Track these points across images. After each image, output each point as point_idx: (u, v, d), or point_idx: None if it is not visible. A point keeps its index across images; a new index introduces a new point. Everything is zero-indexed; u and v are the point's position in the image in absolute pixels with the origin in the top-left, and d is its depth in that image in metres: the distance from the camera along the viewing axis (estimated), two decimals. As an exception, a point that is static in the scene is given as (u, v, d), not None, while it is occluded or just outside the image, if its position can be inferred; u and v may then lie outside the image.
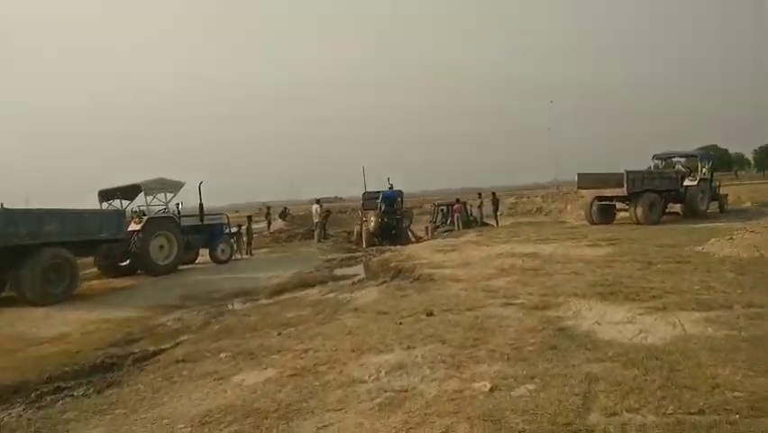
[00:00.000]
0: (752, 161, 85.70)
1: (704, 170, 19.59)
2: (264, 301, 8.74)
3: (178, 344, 6.11)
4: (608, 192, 17.60)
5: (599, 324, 5.77)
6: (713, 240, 10.59)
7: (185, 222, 13.85)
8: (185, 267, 14.13)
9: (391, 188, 21.13)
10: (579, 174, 18.11)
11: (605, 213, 18.36)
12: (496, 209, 24.52)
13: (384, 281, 9.67)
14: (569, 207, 41.75)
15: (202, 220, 14.23)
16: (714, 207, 19.91)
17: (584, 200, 19.21)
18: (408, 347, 5.20)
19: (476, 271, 9.94)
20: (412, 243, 22.33)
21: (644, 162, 20.61)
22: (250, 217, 17.38)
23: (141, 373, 5.38)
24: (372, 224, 19.26)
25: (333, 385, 4.35)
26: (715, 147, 48.64)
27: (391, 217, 19.91)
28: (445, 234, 22.51)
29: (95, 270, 13.26)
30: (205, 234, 14.24)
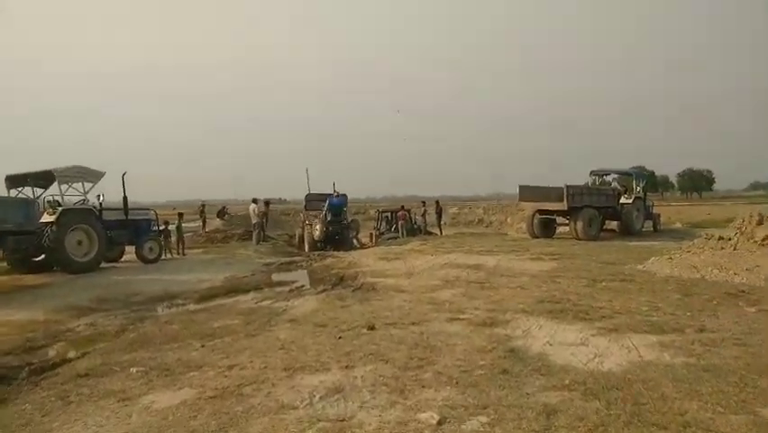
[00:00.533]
0: (675, 184, 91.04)
1: (638, 188, 20.23)
2: (191, 307, 7.95)
3: (85, 354, 5.30)
4: (548, 206, 17.78)
5: (551, 345, 5.47)
6: (653, 259, 10.70)
7: (107, 216, 12.69)
8: (107, 265, 12.99)
9: (336, 194, 20.49)
10: (520, 186, 18.21)
11: (546, 227, 18.56)
12: (439, 218, 24.44)
13: (324, 289, 9.09)
14: (509, 220, 42.64)
15: (126, 214, 13.08)
16: (648, 225, 20.57)
17: (526, 213, 19.35)
18: (347, 366, 4.68)
19: (420, 282, 9.56)
20: (356, 249, 21.86)
21: (580, 178, 21.07)
22: (180, 215, 16.24)
23: (34, 390, 4.56)
24: (317, 232, 18.55)
25: (259, 411, 3.77)
26: (642, 168, 51.03)
27: (337, 226, 19.27)
28: (389, 240, 22.18)
29: (4, 264, 11.92)
30: (130, 229, 13.12)
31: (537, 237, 18.28)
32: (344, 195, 21.53)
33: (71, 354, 5.27)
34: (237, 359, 4.90)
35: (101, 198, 12.76)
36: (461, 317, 6.69)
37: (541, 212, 18.19)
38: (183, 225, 15.67)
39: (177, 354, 5.12)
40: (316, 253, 17.15)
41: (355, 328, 6.07)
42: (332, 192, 20.36)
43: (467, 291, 8.45)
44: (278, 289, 9.47)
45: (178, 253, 14.84)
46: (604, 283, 8.88)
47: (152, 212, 14.26)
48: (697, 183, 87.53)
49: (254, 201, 19.66)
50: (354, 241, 23.27)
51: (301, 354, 5.06)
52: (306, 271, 12.29)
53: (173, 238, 15.20)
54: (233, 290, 9.31)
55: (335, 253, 16.09)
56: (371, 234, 25.58)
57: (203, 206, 25.20)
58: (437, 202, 24.90)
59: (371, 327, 6.05)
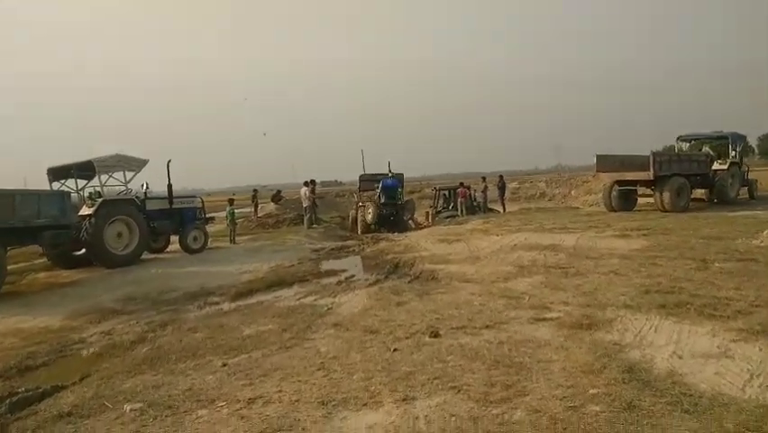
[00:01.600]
0: (755, 149, 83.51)
1: (734, 153, 17.74)
2: (224, 307, 6.94)
3: (83, 378, 4.33)
4: (630, 176, 15.76)
5: (680, 357, 4.02)
6: (770, 232, 8.82)
7: (150, 205, 12.00)
8: (151, 256, 12.35)
9: (391, 174, 19.18)
10: (598, 156, 16.23)
11: (626, 199, 16.55)
12: (502, 194, 22.69)
13: (377, 280, 7.90)
14: (573, 192, 40.23)
15: (171, 203, 12.36)
16: (743, 193, 18.10)
17: (603, 185, 17.33)
18: (405, 399, 3.43)
19: (489, 269, 8.16)
20: (412, 230, 20.62)
21: (644, 148, 18.70)
22: (231, 201, 15.48)
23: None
24: (370, 215, 17.40)
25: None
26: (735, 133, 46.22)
27: (391, 208, 18.05)
28: (447, 220, 20.77)
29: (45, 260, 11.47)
30: (174, 219, 12.40)
31: (616, 211, 16.32)
32: (399, 175, 20.26)
33: (64, 380, 4.28)
34: (263, 387, 3.76)
35: (144, 186, 12.07)
36: (548, 315, 5.30)
37: (620, 183, 16.18)
38: (235, 211, 14.84)
39: (190, 378, 4.04)
40: (370, 235, 15.99)
41: (414, 335, 4.81)
42: (386, 172, 19.14)
43: (548, 280, 7.00)
44: (326, 280, 8.35)
45: (231, 242, 14.07)
46: (718, 265, 7.19)
47: (198, 199, 13.48)
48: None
49: (305, 184, 18.65)
50: (410, 222, 22.05)
51: (345, 377, 3.86)
52: (358, 257, 11.15)
53: (227, 225, 14.44)
54: (276, 282, 8.27)
55: (390, 235, 14.88)
56: (428, 212, 24.18)
57: (255, 191, 24.57)
58: (501, 177, 23.09)
59: (435, 334, 4.77)
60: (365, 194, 19.11)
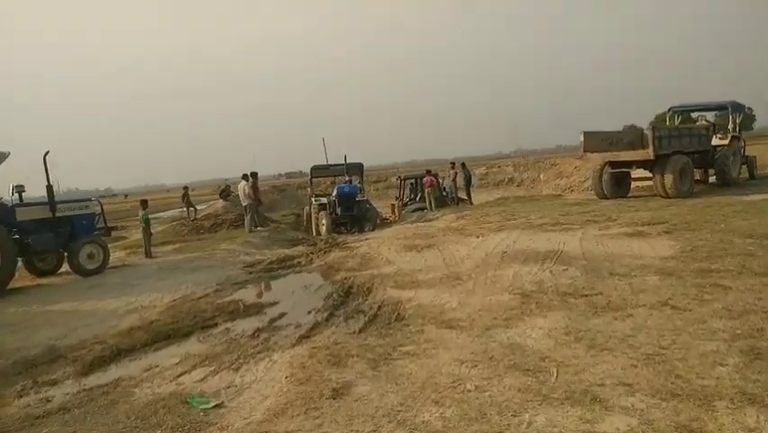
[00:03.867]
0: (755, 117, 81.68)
1: (734, 125, 15.71)
2: (58, 393, 4.16)
3: None
4: (625, 156, 13.50)
5: None
6: None
7: (23, 215, 9.06)
8: (29, 283, 9.43)
9: (348, 180, 16.18)
10: (585, 133, 13.93)
11: (618, 183, 14.31)
12: (469, 183, 20.11)
13: (314, 326, 5.28)
14: (542, 176, 38.47)
15: (54, 210, 9.42)
16: (743, 172, 16.14)
17: (593, 167, 15.03)
18: None
19: (477, 298, 5.64)
20: (377, 224, 18.06)
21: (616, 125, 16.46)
22: (144, 203, 12.41)
23: None
24: (324, 228, 14.66)
25: None
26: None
27: (347, 220, 15.32)
28: (415, 213, 18.29)
29: None
30: (60, 230, 9.45)
31: (608, 198, 14.10)
32: (358, 165, 17.57)
33: None
34: None
35: (11, 190, 9.11)
36: (608, 427, 2.80)
37: (613, 164, 13.91)
38: (151, 216, 11.81)
39: None
40: (323, 238, 13.37)
41: None
42: (342, 163, 16.31)
43: (573, 322, 4.52)
44: (240, 326, 5.67)
45: (146, 255, 11.19)
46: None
47: (94, 203, 10.45)
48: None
49: (244, 177, 15.61)
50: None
51: None
52: (300, 275, 8.51)
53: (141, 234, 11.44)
54: (166, 332, 5.54)
55: (347, 240, 12.22)
56: (393, 205, 21.67)
57: (185, 189, 21.40)
58: (463, 164, 20.55)
59: None
60: (320, 197, 16.21)
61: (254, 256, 10.96)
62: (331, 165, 16.99)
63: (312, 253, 10.66)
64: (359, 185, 17.26)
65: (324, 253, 10.30)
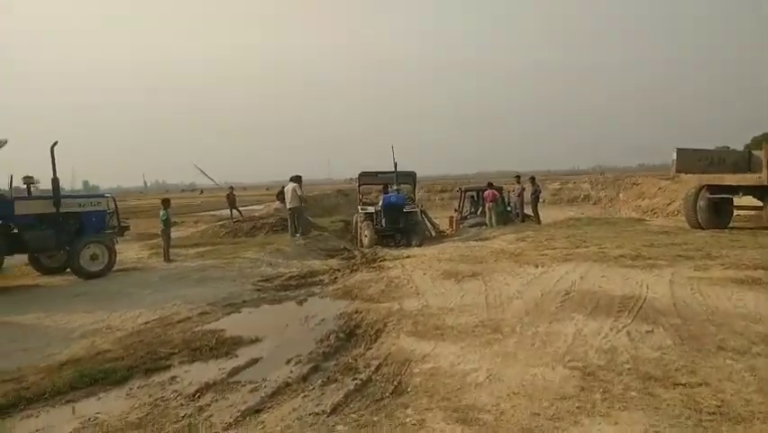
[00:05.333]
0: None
1: None
2: None
3: None
4: (730, 179, 11.12)
5: None
6: None
7: (21, 208, 8.24)
8: (28, 281, 8.61)
9: (397, 189, 14.69)
10: (678, 150, 11.67)
11: (717, 211, 11.88)
12: (536, 201, 17.90)
13: (280, 390, 3.80)
14: (621, 196, 35.27)
15: (57, 205, 8.61)
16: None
17: (686, 192, 12.62)
18: None
19: (517, 369, 3.94)
20: (432, 237, 16.47)
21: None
22: (166, 202, 11.56)
23: None
24: (366, 240, 13.27)
25: None
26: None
27: (394, 229, 13.84)
28: (473, 229, 16.51)
29: None
30: (63, 227, 8.60)
31: (703, 228, 11.72)
32: (410, 173, 15.96)
33: None
34: None
35: (11, 180, 8.33)
36: None
37: (712, 189, 11.54)
38: (170, 215, 10.80)
39: None
40: (364, 252, 11.98)
41: None
42: (391, 171, 14.71)
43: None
44: (191, 375, 4.26)
45: (165, 258, 10.25)
46: None
47: (107, 199, 9.58)
48: None
49: (293, 180, 14.54)
50: (429, 226, 17.85)
51: None
52: (308, 302, 7.07)
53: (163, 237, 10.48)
54: (100, 372, 4.24)
55: (386, 255, 10.70)
56: (451, 218, 19.94)
57: (231, 189, 20.65)
58: (533, 179, 18.35)
59: None
60: (364, 208, 14.80)
61: (277, 268, 9.69)
62: (380, 172, 15.50)
63: (340, 269, 9.24)
64: (411, 195, 15.73)
65: (351, 272, 8.83)
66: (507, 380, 3.75)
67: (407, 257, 10.24)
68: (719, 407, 3.17)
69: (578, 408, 3.24)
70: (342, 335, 5.14)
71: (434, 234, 18.13)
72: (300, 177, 14.86)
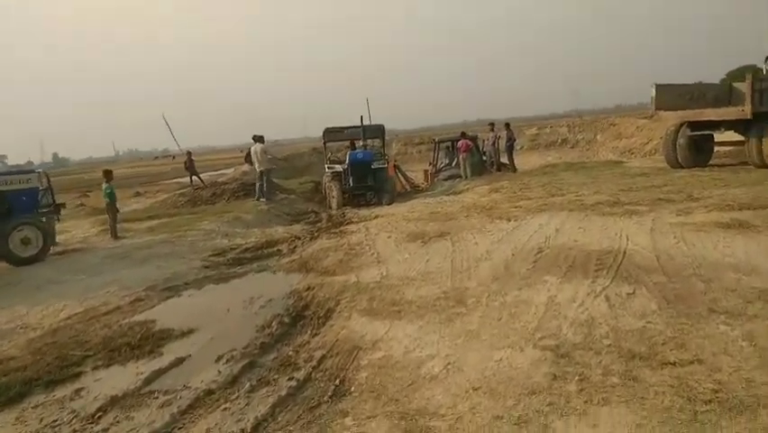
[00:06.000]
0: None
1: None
2: None
3: None
4: (711, 114, 10.51)
5: None
6: None
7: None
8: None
9: (363, 145, 13.82)
10: (657, 86, 10.98)
11: (698, 149, 11.35)
12: (511, 149, 17.13)
13: (199, 401, 3.19)
14: (599, 137, 34.63)
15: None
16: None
17: (666, 129, 12.03)
18: None
19: (480, 354, 3.36)
20: (407, 192, 15.86)
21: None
22: (107, 174, 9.98)
23: None
24: (334, 201, 12.50)
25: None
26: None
27: (362, 191, 13.07)
28: (447, 181, 15.86)
29: None
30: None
31: (683, 166, 11.22)
32: (379, 126, 15.04)
33: None
34: None
35: None
36: None
37: (693, 125, 10.96)
38: (114, 189, 9.83)
39: None
40: (332, 214, 11.34)
41: None
42: (357, 125, 13.79)
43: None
44: (102, 385, 3.60)
45: (112, 235, 9.46)
46: None
47: (37, 175, 8.58)
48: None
49: (255, 139, 13.67)
50: (402, 180, 17.21)
51: None
52: (260, 276, 6.42)
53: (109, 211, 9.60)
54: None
55: (353, 217, 10.05)
56: (426, 171, 19.24)
57: (189, 154, 19.55)
58: (507, 125, 17.53)
59: None
60: (331, 167, 13.96)
61: (234, 240, 8.98)
62: (346, 128, 14.55)
63: (301, 237, 8.57)
64: (380, 150, 14.91)
65: (311, 239, 8.17)
66: (468, 369, 3.17)
67: (375, 218, 9.59)
68: (716, 392, 2.63)
69: (549, 405, 2.67)
70: (287, 319, 4.51)
71: (408, 189, 17.50)
72: (263, 136, 13.97)
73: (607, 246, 5.47)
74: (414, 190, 16.85)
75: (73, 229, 11.16)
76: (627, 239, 5.67)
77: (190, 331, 4.51)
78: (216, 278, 6.40)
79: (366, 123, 14.73)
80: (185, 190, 16.11)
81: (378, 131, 14.90)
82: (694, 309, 3.67)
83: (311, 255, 6.91)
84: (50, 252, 8.18)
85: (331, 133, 14.65)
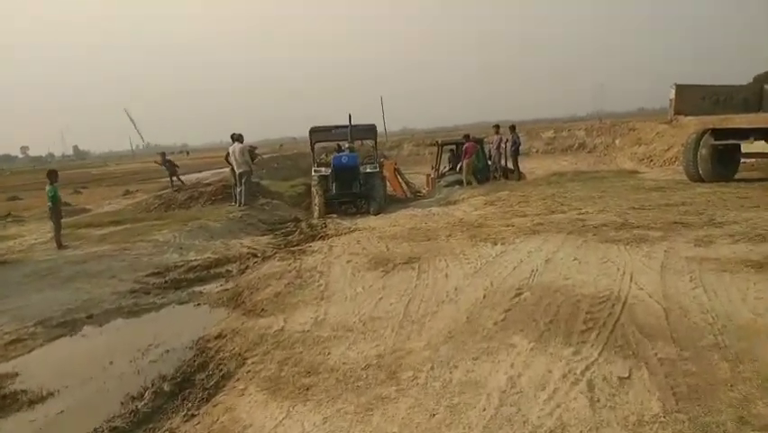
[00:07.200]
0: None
1: None
2: None
3: None
4: (740, 120, 9.18)
5: None
6: None
7: None
8: None
9: (348, 147, 12.54)
10: (677, 87, 9.68)
11: (722, 160, 9.99)
12: (516, 154, 15.68)
13: None
14: (617, 142, 33.09)
15: None
16: None
17: (687, 138, 10.68)
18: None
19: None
20: (405, 198, 14.97)
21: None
22: (52, 174, 8.98)
23: None
24: (316, 209, 11.39)
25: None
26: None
27: (348, 198, 11.87)
28: (446, 188, 14.72)
29: None
30: None
31: (704, 180, 9.88)
32: (370, 127, 13.78)
33: None
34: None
35: None
36: None
37: (717, 133, 9.62)
38: (58, 191, 8.75)
39: None
40: (316, 223, 10.33)
41: None
42: (345, 124, 12.61)
43: None
44: None
45: (57, 244, 8.47)
46: None
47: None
48: None
49: (234, 138, 12.59)
50: (403, 186, 16.30)
51: None
52: (179, 309, 5.36)
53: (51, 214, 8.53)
54: None
55: (327, 232, 8.95)
56: (428, 176, 18.05)
57: (163, 155, 18.52)
58: (513, 128, 16.10)
59: None
60: (317, 170, 12.70)
61: (187, 254, 7.95)
62: (334, 127, 13.39)
63: (259, 254, 7.49)
64: (371, 153, 13.79)
65: (263, 259, 7.08)
66: None
67: (352, 231, 8.50)
68: None
69: None
70: (168, 387, 3.43)
71: (408, 195, 16.42)
72: (242, 135, 12.87)
73: (603, 288, 4.30)
74: (414, 196, 15.83)
75: (28, 234, 10.28)
76: (631, 279, 4.50)
77: (45, 397, 3.47)
78: (129, 310, 5.34)
79: (373, 122, 13.71)
80: (163, 192, 15.16)
81: (369, 131, 13.74)
82: (714, 417, 2.49)
83: (249, 283, 5.82)
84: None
85: (317, 133, 13.52)
